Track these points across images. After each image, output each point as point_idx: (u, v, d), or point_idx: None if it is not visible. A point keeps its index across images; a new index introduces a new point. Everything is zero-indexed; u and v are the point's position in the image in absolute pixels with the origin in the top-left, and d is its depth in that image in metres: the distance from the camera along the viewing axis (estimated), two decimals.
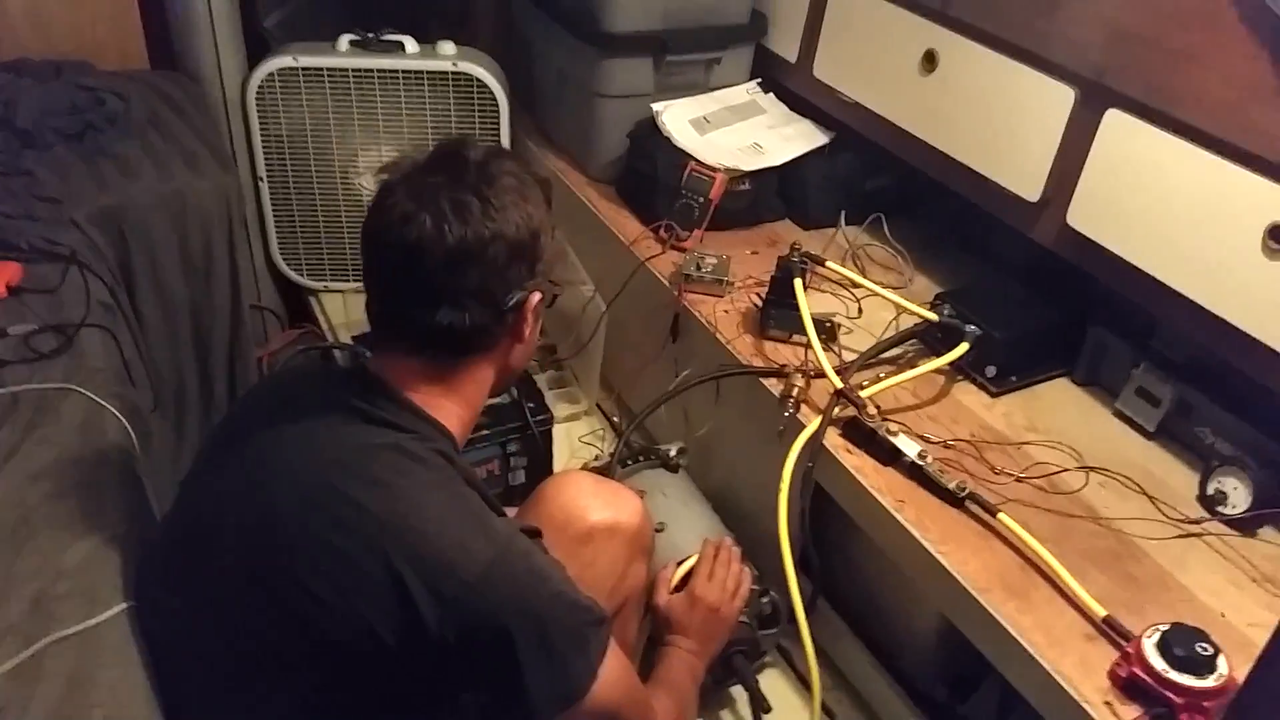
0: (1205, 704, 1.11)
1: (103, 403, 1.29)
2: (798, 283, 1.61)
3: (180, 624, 1.04)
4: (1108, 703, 1.14)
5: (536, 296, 1.10)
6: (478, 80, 2.11)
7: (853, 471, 1.44)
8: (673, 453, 1.74)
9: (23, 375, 1.31)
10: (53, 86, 1.89)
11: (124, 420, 1.29)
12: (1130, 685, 1.15)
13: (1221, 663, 1.12)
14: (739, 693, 1.58)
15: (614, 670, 1.06)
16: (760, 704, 1.52)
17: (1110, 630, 1.22)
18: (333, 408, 1.05)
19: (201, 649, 1.02)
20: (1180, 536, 1.38)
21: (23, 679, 0.93)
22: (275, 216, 2.23)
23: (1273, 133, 1.28)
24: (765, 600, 1.56)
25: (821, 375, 1.55)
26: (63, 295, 1.47)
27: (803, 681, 1.61)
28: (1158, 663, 1.12)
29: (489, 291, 1.05)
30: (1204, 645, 1.13)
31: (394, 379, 1.07)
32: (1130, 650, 1.16)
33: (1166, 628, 1.15)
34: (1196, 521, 1.40)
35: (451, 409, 1.09)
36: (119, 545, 1.12)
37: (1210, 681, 1.11)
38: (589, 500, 1.29)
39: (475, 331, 1.07)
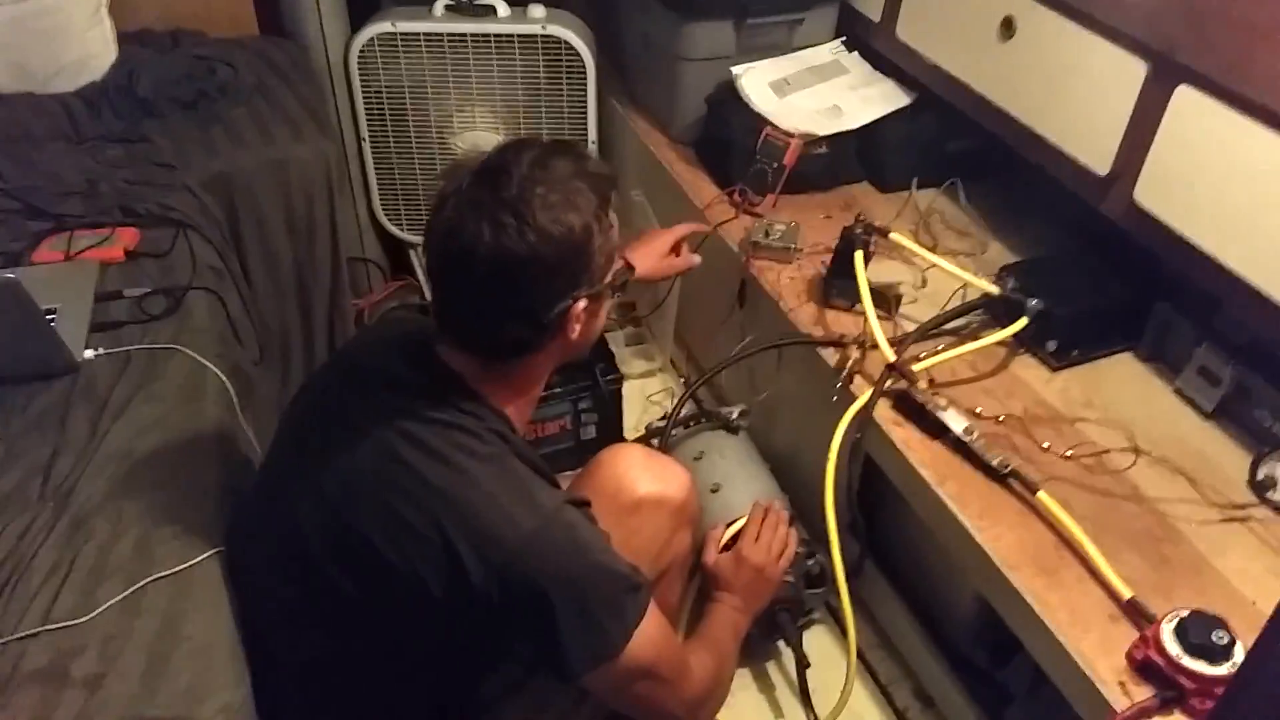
0: (1217, 691, 1.13)
1: (205, 362, 1.43)
2: (858, 256, 1.64)
3: (264, 569, 1.18)
4: (1121, 683, 1.18)
5: (581, 304, 1.12)
6: (565, 43, 2.17)
7: (899, 444, 1.49)
8: (734, 415, 1.80)
9: (135, 335, 1.46)
10: (170, 56, 2.03)
11: (224, 378, 1.43)
12: (1145, 668, 1.18)
13: (1238, 651, 1.14)
14: (784, 647, 1.66)
15: (650, 632, 1.14)
16: (801, 659, 1.60)
17: (1133, 612, 1.25)
18: (404, 384, 1.15)
19: (281, 594, 1.16)
20: (1224, 521, 1.39)
21: (126, 613, 1.08)
22: (377, 174, 2.36)
23: None
24: (812, 561, 1.63)
25: (877, 347, 1.59)
26: (174, 259, 1.62)
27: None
28: (1173, 648, 1.15)
29: (527, 306, 1.10)
30: (1220, 633, 1.14)
31: (455, 365, 1.15)
32: (1148, 634, 1.19)
33: (1186, 613, 1.17)
34: (1242, 507, 1.40)
35: (505, 395, 1.17)
36: (214, 494, 1.27)
37: (1223, 669, 1.13)
38: (639, 473, 1.36)
39: (514, 341, 1.13)
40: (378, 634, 1.12)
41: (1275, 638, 0.91)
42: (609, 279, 1.17)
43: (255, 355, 1.72)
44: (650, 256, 1.65)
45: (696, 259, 1.73)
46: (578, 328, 1.15)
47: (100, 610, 1.08)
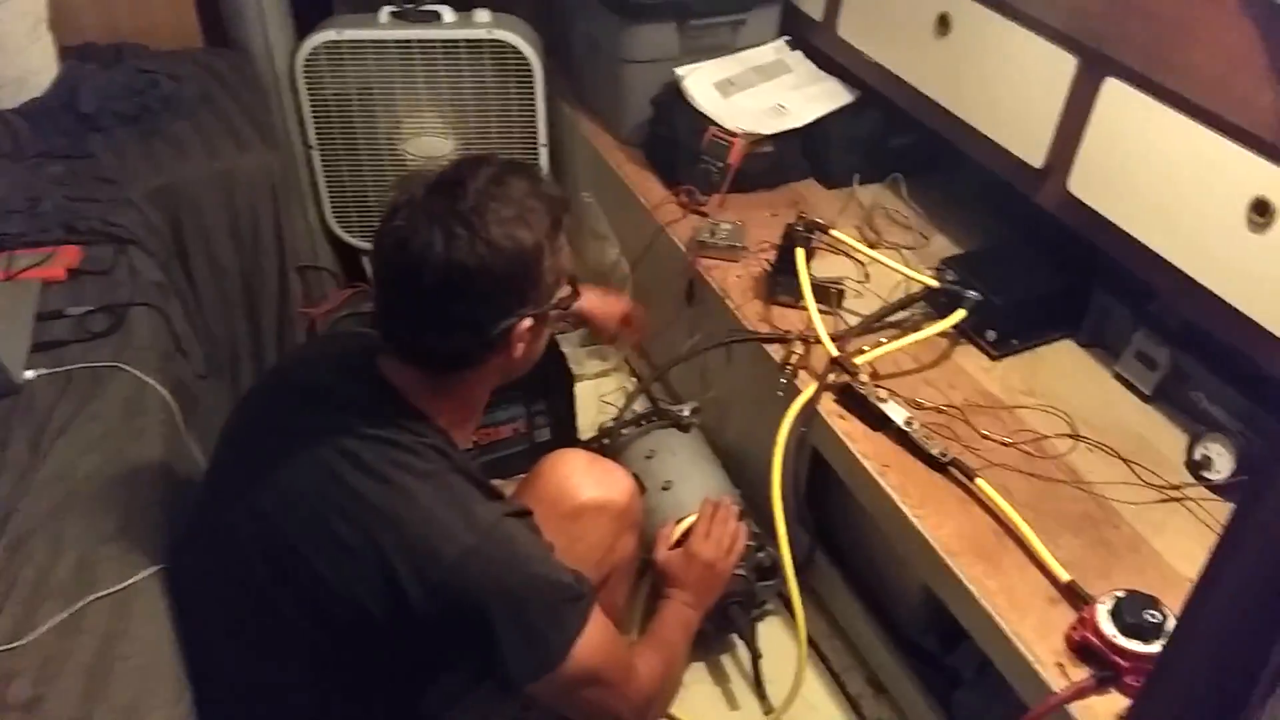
0: (1150, 669, 1.16)
1: (147, 379, 1.42)
2: (799, 253, 1.66)
3: (206, 587, 1.17)
4: (1059, 664, 1.21)
5: (526, 323, 1.13)
6: (512, 47, 2.18)
7: (843, 436, 1.51)
8: (686, 413, 1.82)
9: (77, 354, 1.45)
10: (113, 70, 2.02)
11: (167, 394, 1.43)
12: (1083, 649, 1.21)
13: (1171, 628, 1.17)
14: (738, 640, 1.68)
15: (593, 638, 1.15)
16: (754, 650, 1.62)
17: (1071, 594, 1.27)
18: (343, 399, 1.15)
19: (222, 611, 1.16)
20: (1161, 501, 1.42)
21: (65, 634, 1.08)
22: (328, 182, 2.35)
23: (1256, 105, 1.27)
24: (763, 554, 1.65)
25: (820, 342, 1.61)
26: (116, 276, 1.61)
27: None
28: (1108, 628, 1.18)
29: (473, 319, 1.10)
30: (1154, 613, 1.17)
31: (394, 379, 1.15)
32: (1085, 615, 1.22)
33: (1121, 594, 1.20)
34: (1179, 487, 1.43)
35: (445, 410, 1.17)
36: (157, 511, 1.26)
37: (1156, 647, 1.16)
38: (580, 479, 1.37)
39: (458, 354, 1.14)
40: (318, 650, 1.12)
41: (1197, 612, 0.94)
42: (555, 300, 1.18)
43: (201, 369, 1.71)
44: (600, 299, 1.71)
45: (640, 334, 1.81)
46: (521, 346, 1.16)
47: (39, 632, 1.07)
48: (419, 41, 2.18)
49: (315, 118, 2.26)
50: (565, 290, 1.20)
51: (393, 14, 2.19)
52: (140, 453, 1.33)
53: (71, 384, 1.40)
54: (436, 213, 1.07)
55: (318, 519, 1.08)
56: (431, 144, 2.29)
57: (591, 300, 1.72)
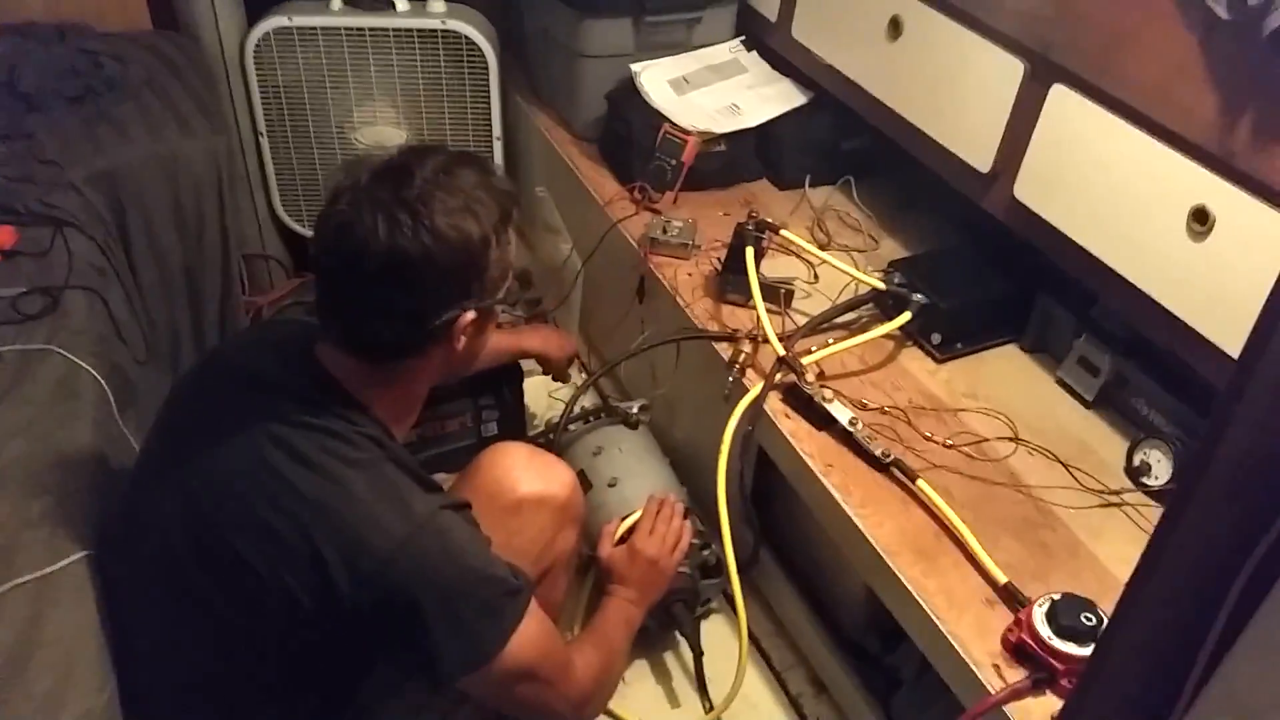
0: None
1: (80, 362, 1.39)
2: (749, 252, 1.66)
3: (134, 574, 1.15)
4: (996, 665, 1.21)
5: (469, 316, 1.11)
6: (466, 38, 2.15)
7: (788, 435, 1.51)
8: (634, 410, 1.81)
9: (9, 336, 1.41)
10: (55, 50, 1.97)
11: (100, 379, 1.39)
12: (1019, 650, 1.22)
13: None
14: (681, 638, 1.68)
15: (529, 634, 1.14)
16: (696, 648, 1.62)
17: (1008, 596, 1.28)
18: (277, 386, 1.13)
19: (150, 598, 1.13)
20: (1100, 506, 1.44)
21: None
22: (276, 169, 2.31)
23: (1196, 114, 1.29)
24: (708, 552, 1.65)
25: (769, 341, 1.61)
26: (53, 258, 1.57)
27: None
28: (1044, 630, 1.19)
29: (414, 308, 1.09)
30: (1089, 615, 1.18)
31: (333, 368, 1.13)
32: (1021, 616, 1.23)
33: (1058, 597, 1.21)
34: (1117, 492, 1.45)
35: (384, 400, 1.15)
36: (84, 497, 1.22)
37: (1089, 650, 1.17)
38: (520, 472, 1.36)
39: (398, 343, 1.12)
40: (247, 641, 1.09)
41: (1127, 614, 0.95)
42: (500, 296, 1.17)
43: (141, 354, 1.67)
44: (552, 338, 1.88)
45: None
46: (463, 340, 1.14)
47: None
48: (371, 30, 2.15)
49: (265, 104, 2.22)
50: (512, 283, 1.19)
51: (345, 1, 2.16)
52: (70, 438, 1.29)
53: (2, 366, 1.36)
54: (381, 199, 1.05)
55: (246, 506, 1.06)
56: (383, 133, 2.26)
57: (544, 338, 1.81)
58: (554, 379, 1.94)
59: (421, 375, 1.19)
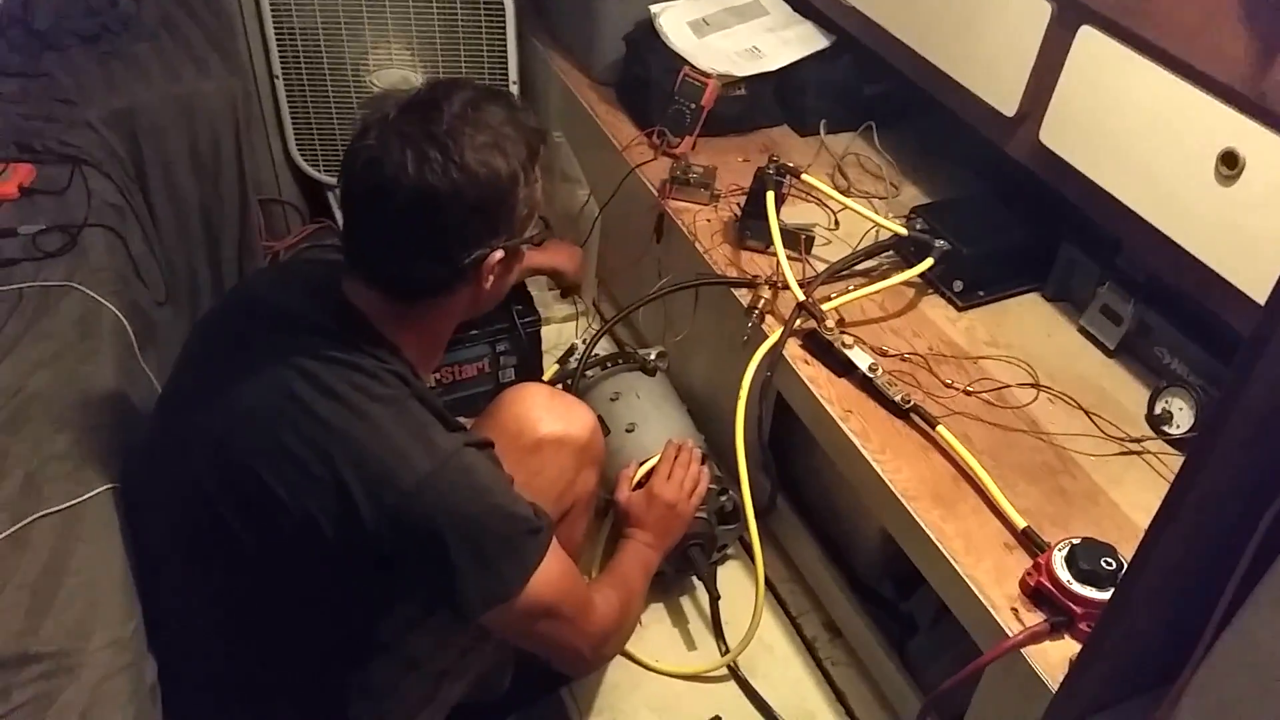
0: None
1: (101, 299, 1.39)
2: (769, 196, 1.64)
3: (159, 505, 1.16)
4: (1014, 609, 1.22)
5: (497, 255, 1.11)
6: None
7: (807, 381, 1.51)
8: (652, 356, 1.81)
9: (29, 273, 1.42)
10: None
11: (121, 316, 1.40)
12: (1037, 594, 1.22)
13: None
14: (698, 582, 1.69)
15: (550, 572, 1.14)
16: (713, 592, 1.63)
17: (1027, 541, 1.28)
18: (305, 321, 1.12)
19: (175, 529, 1.14)
20: (1120, 454, 1.43)
21: (10, 550, 1.06)
22: (292, 113, 2.29)
23: (1228, 55, 1.26)
24: (724, 498, 1.65)
25: (788, 287, 1.60)
26: (70, 196, 1.57)
27: None
28: (1063, 574, 1.19)
29: (443, 246, 1.08)
30: (1109, 560, 1.18)
31: (360, 303, 1.13)
32: (1040, 561, 1.23)
33: (1077, 541, 1.21)
34: (1138, 440, 1.44)
35: (410, 339, 1.15)
36: (108, 431, 1.24)
37: (1110, 594, 1.17)
38: (541, 413, 1.35)
39: (426, 281, 1.11)
40: (270, 572, 1.10)
41: (1147, 559, 0.95)
42: (529, 234, 1.16)
43: (160, 295, 1.68)
44: (561, 250, 1.90)
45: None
46: (490, 279, 1.14)
47: None
48: None
49: (280, 47, 2.20)
50: (539, 223, 1.18)
51: None
52: (92, 373, 1.30)
53: (22, 302, 1.37)
54: (409, 134, 1.04)
55: (272, 436, 1.06)
56: (399, 77, 2.24)
57: (555, 254, 1.79)
58: (563, 295, 1.92)
59: (448, 313, 1.19)
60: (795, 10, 2.11)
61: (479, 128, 1.06)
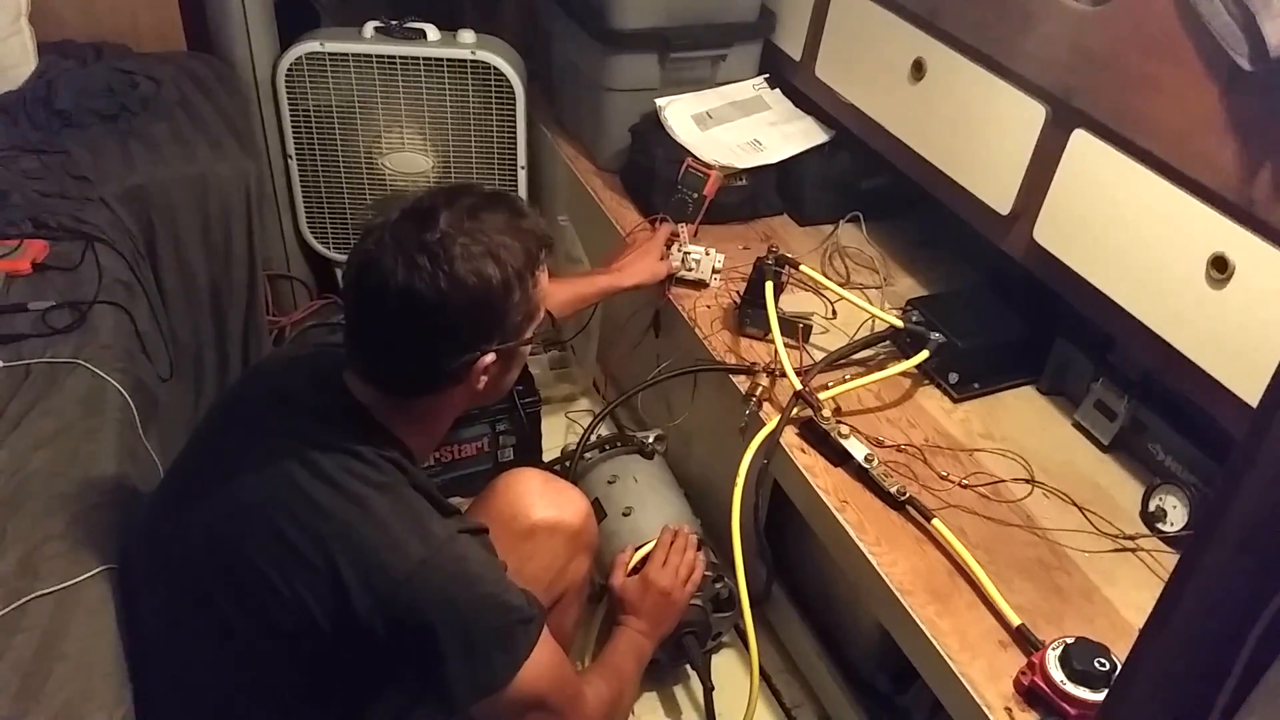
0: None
1: (106, 377, 1.41)
2: (768, 286, 1.67)
3: (155, 587, 1.16)
4: (1008, 709, 1.21)
5: (489, 359, 1.12)
6: (495, 69, 2.19)
7: (803, 470, 1.51)
8: (650, 439, 1.82)
9: (38, 349, 1.44)
10: (92, 68, 2.01)
11: (125, 393, 1.41)
12: (1031, 694, 1.21)
13: None
14: (692, 671, 1.67)
15: (541, 662, 1.14)
16: (707, 682, 1.61)
17: (1022, 639, 1.28)
18: (307, 407, 1.15)
19: (169, 613, 1.14)
20: (1114, 551, 1.43)
21: (4, 631, 1.06)
22: (304, 192, 2.34)
23: (1216, 162, 1.30)
24: (720, 585, 1.65)
25: (785, 375, 1.62)
26: (82, 273, 1.59)
27: None
28: (1057, 674, 1.18)
29: (432, 349, 1.10)
30: (1102, 660, 1.18)
31: (359, 395, 1.15)
32: (1034, 660, 1.23)
33: (1071, 640, 1.21)
34: (1132, 537, 1.45)
35: (408, 430, 1.16)
36: (107, 511, 1.24)
37: (1103, 696, 1.16)
38: (535, 499, 1.36)
39: (417, 381, 1.14)
40: (260, 658, 1.10)
41: (1140, 661, 0.95)
42: (526, 336, 1.18)
43: (165, 370, 1.69)
44: (647, 265, 1.80)
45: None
46: (484, 380, 1.15)
47: None
48: (402, 58, 2.18)
49: (294, 128, 2.25)
50: (541, 320, 1.20)
51: (377, 29, 2.20)
52: (94, 451, 1.31)
53: (29, 378, 1.38)
54: (403, 240, 1.07)
55: (268, 520, 1.07)
56: (410, 160, 2.29)
57: (637, 270, 1.77)
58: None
59: (445, 408, 1.20)
60: (796, 106, 2.17)
61: (474, 237, 1.08)
